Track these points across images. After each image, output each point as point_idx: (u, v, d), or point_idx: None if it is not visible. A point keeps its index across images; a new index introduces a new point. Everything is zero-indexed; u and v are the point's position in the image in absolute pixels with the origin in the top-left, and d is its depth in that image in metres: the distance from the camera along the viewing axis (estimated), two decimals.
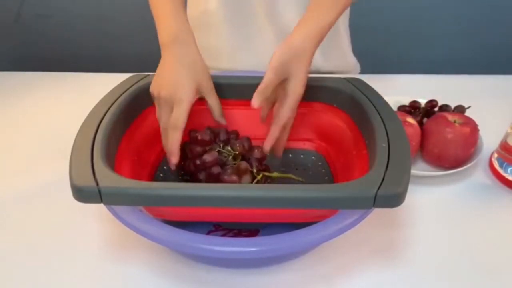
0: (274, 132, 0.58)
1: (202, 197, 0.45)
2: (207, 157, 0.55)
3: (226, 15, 0.82)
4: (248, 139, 0.59)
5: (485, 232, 0.59)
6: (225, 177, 0.54)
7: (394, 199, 0.45)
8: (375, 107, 0.56)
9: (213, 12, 0.83)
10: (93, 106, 0.56)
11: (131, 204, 0.47)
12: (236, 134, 0.61)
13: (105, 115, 0.54)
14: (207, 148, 0.57)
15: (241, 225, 0.57)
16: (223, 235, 0.55)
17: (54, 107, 0.81)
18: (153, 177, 0.61)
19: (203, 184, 0.48)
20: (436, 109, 0.72)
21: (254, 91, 0.62)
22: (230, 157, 0.56)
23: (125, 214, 0.46)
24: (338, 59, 0.91)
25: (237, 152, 0.56)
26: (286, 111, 0.57)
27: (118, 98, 0.57)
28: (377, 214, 0.49)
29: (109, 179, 0.46)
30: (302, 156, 0.65)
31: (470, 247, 0.57)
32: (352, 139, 0.59)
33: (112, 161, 0.51)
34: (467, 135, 0.64)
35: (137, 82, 0.60)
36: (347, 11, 0.89)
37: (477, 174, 0.67)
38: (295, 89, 0.56)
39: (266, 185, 0.55)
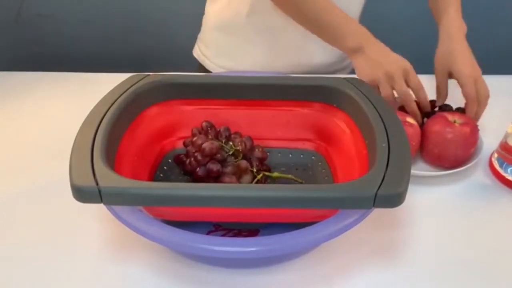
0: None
1: (202, 197, 0.45)
2: (207, 145, 0.55)
3: (254, 20, 0.82)
4: (250, 139, 0.59)
5: (485, 232, 0.59)
6: (226, 178, 0.54)
7: (394, 199, 0.45)
8: (375, 107, 0.56)
9: (242, 17, 0.83)
10: (93, 106, 0.56)
11: (131, 204, 0.47)
12: (239, 134, 0.61)
13: (105, 115, 0.54)
14: (209, 140, 0.57)
15: (241, 225, 0.57)
16: (223, 235, 0.55)
17: (54, 107, 0.81)
18: (153, 177, 0.61)
19: (203, 184, 0.48)
20: (436, 109, 0.72)
21: (254, 91, 0.62)
22: (231, 152, 0.56)
23: (125, 214, 0.46)
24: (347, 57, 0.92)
25: (238, 148, 0.56)
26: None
27: (118, 98, 0.57)
28: (377, 214, 0.49)
29: (109, 179, 0.46)
30: (302, 156, 0.65)
31: (470, 247, 0.57)
32: (352, 139, 0.59)
33: (112, 161, 0.51)
34: (467, 135, 0.64)
35: (137, 82, 0.60)
36: (360, 9, 0.89)
37: (477, 174, 0.67)
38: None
39: (266, 185, 0.55)
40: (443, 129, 0.65)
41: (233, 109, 0.64)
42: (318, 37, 0.74)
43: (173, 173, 0.62)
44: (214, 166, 0.55)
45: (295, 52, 0.87)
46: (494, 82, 0.77)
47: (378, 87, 0.67)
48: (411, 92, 0.67)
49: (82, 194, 0.45)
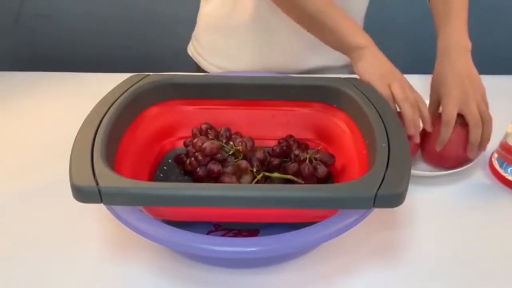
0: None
1: (202, 197, 0.45)
2: (208, 145, 0.55)
3: (247, 19, 0.82)
4: (251, 139, 0.59)
5: (485, 232, 0.59)
6: (226, 178, 0.54)
7: (394, 199, 0.45)
8: (375, 107, 0.56)
9: (240, 17, 0.83)
10: (93, 106, 0.56)
11: (131, 204, 0.47)
12: (240, 135, 0.61)
13: (105, 115, 0.54)
14: (210, 140, 0.57)
15: (241, 225, 0.57)
16: (223, 235, 0.55)
17: (54, 107, 0.81)
18: (153, 177, 0.61)
19: (203, 184, 0.48)
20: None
21: (254, 91, 0.62)
22: (231, 152, 0.56)
23: (125, 214, 0.46)
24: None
25: (238, 148, 0.56)
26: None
27: (118, 98, 0.57)
28: (377, 214, 0.49)
29: (109, 179, 0.46)
30: None
31: (470, 247, 0.57)
32: (352, 139, 0.59)
33: (112, 161, 0.51)
34: (467, 135, 0.64)
35: (137, 82, 0.60)
36: (365, 10, 0.89)
37: (477, 174, 0.67)
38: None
39: (266, 185, 0.55)
40: None
41: (233, 109, 0.64)
42: (318, 38, 0.73)
43: (173, 173, 0.62)
44: (215, 167, 0.55)
45: (288, 53, 0.86)
46: (494, 82, 0.77)
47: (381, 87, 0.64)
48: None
49: (82, 194, 0.45)
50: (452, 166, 0.65)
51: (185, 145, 0.60)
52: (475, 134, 0.63)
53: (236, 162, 0.56)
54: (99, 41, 1.54)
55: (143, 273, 0.53)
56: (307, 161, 0.57)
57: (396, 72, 0.66)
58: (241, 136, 0.60)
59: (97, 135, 0.51)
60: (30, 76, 0.89)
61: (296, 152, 0.58)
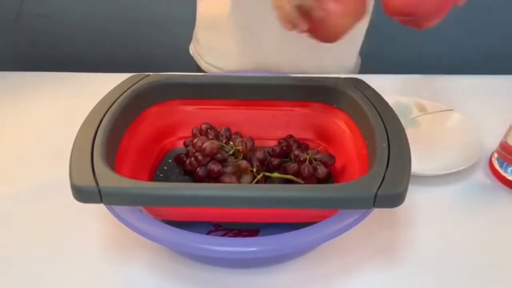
0: None
1: (202, 197, 0.45)
2: (208, 145, 0.55)
3: (238, 18, 0.82)
4: (251, 139, 0.59)
5: (485, 232, 0.59)
6: (226, 178, 0.54)
7: (394, 199, 0.45)
8: (375, 107, 0.56)
9: (226, 14, 0.83)
10: (93, 106, 0.56)
11: (131, 204, 0.47)
12: (240, 135, 0.61)
13: (105, 115, 0.54)
14: (209, 140, 0.57)
15: (241, 225, 0.57)
16: (223, 235, 0.55)
17: (54, 107, 0.81)
18: (153, 177, 0.61)
19: (203, 184, 0.48)
20: None
21: (254, 91, 0.62)
22: (231, 152, 0.56)
23: (125, 214, 0.46)
24: (348, 59, 0.91)
25: (238, 148, 0.56)
26: None
27: (118, 98, 0.57)
28: (377, 214, 0.49)
29: (109, 179, 0.46)
30: None
31: (470, 247, 0.57)
32: (352, 139, 0.59)
33: (112, 161, 0.51)
34: None
35: (137, 82, 0.60)
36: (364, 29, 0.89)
37: (477, 174, 0.67)
38: None
39: (266, 185, 0.55)
40: None
41: (233, 109, 0.64)
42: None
43: (173, 173, 0.62)
44: (215, 167, 0.55)
45: (280, 53, 0.86)
46: (494, 82, 0.78)
47: None
48: None
49: (82, 194, 0.45)
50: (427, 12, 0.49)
51: (185, 145, 0.60)
52: None
53: (236, 162, 0.56)
54: (99, 41, 1.54)
55: (143, 273, 0.53)
56: (307, 161, 0.57)
57: None
58: (241, 136, 0.60)
59: (97, 135, 0.51)
60: (30, 76, 0.89)
61: (296, 152, 0.58)
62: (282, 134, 0.63)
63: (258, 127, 0.64)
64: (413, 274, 0.53)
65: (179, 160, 0.61)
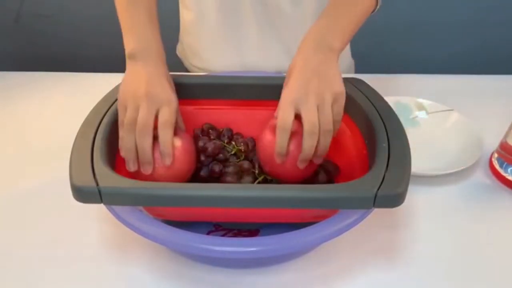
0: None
1: (202, 197, 0.45)
2: (210, 145, 0.55)
3: (220, 22, 0.82)
4: (253, 140, 0.59)
5: (485, 232, 0.59)
6: (227, 177, 0.54)
7: (394, 199, 0.45)
8: (375, 107, 0.56)
9: (208, 18, 0.83)
10: (93, 106, 0.56)
11: (131, 204, 0.47)
12: (241, 135, 0.61)
13: (105, 115, 0.54)
14: (212, 141, 0.57)
15: (241, 225, 0.57)
16: (223, 235, 0.55)
17: (54, 107, 0.81)
18: None
19: (203, 184, 0.48)
20: None
21: (254, 91, 0.62)
22: (233, 152, 0.56)
23: (125, 214, 0.46)
24: (341, 62, 0.91)
25: (240, 148, 0.56)
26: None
27: None
28: (377, 214, 0.49)
29: (109, 179, 0.46)
30: None
31: (470, 247, 0.57)
32: (352, 139, 0.59)
33: (112, 161, 0.51)
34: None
35: None
36: None
37: (477, 174, 0.67)
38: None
39: (266, 185, 0.55)
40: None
41: (233, 109, 0.64)
42: None
43: None
44: (217, 167, 0.55)
45: (262, 53, 0.85)
46: (494, 82, 0.78)
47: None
48: (173, 122, 0.52)
49: (82, 194, 0.45)
50: (294, 179, 0.54)
51: None
52: (307, 145, 0.49)
53: (238, 162, 0.56)
54: (99, 41, 1.54)
55: (143, 273, 0.53)
56: None
57: (142, 90, 0.51)
58: (243, 137, 0.60)
59: (97, 135, 0.51)
60: (30, 76, 0.89)
61: None
62: None
63: (258, 127, 0.64)
64: (413, 274, 0.53)
65: None
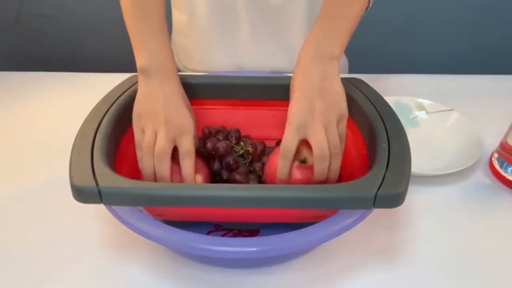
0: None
1: (202, 197, 0.45)
2: (221, 145, 0.55)
3: (212, 22, 0.82)
4: (263, 144, 0.58)
5: (485, 232, 0.59)
6: (237, 176, 0.54)
7: (394, 200, 0.45)
8: (375, 107, 0.56)
9: (200, 19, 0.83)
10: (93, 106, 0.56)
11: (131, 204, 0.47)
12: (249, 137, 0.61)
13: (105, 115, 0.54)
14: (220, 140, 0.57)
15: (241, 225, 0.57)
16: (223, 235, 0.55)
17: (54, 107, 0.81)
18: None
19: (203, 184, 0.48)
20: None
21: (254, 91, 0.62)
22: (241, 153, 0.56)
23: (125, 214, 0.46)
24: None
25: (249, 149, 0.56)
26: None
27: (118, 98, 0.57)
28: (377, 214, 0.49)
29: (109, 179, 0.46)
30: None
31: (470, 247, 0.57)
32: (352, 139, 0.59)
33: (112, 161, 0.51)
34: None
35: (137, 82, 0.60)
36: None
37: (477, 174, 0.67)
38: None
39: (266, 185, 0.55)
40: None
41: (233, 109, 0.64)
42: None
43: None
44: (231, 159, 0.55)
45: (256, 53, 0.85)
46: (494, 82, 0.78)
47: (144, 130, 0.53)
48: (194, 150, 0.53)
49: (82, 194, 0.45)
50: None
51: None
52: (319, 169, 0.49)
53: (245, 163, 0.56)
54: (99, 41, 1.54)
55: (143, 273, 0.53)
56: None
57: (161, 114, 0.52)
58: (251, 139, 0.60)
59: (97, 135, 0.51)
60: (30, 76, 0.89)
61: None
62: (282, 134, 0.63)
63: (258, 127, 0.64)
64: (412, 274, 0.53)
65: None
